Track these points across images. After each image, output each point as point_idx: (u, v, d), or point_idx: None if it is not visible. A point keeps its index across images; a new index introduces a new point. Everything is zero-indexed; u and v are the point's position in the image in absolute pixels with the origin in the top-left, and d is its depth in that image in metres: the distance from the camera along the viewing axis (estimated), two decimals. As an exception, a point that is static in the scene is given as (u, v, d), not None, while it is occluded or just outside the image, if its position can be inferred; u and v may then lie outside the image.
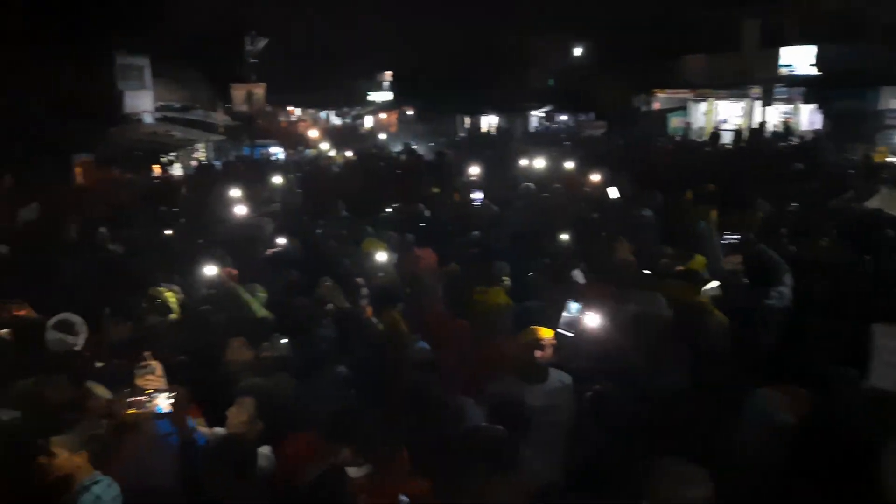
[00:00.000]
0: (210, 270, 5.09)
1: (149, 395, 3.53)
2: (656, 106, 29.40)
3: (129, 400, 3.52)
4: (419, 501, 2.99)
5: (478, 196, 9.62)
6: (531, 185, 10.78)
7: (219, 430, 3.67)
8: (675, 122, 27.95)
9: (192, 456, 3.52)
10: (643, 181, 10.79)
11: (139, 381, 3.62)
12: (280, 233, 7.60)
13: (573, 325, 3.97)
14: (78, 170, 18.95)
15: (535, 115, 34.88)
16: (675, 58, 27.51)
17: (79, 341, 4.56)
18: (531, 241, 7.49)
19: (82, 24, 21.20)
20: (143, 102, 25.41)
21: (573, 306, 4.07)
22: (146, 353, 3.80)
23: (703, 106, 27.62)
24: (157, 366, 3.75)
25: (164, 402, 3.49)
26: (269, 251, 7.21)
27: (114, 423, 3.63)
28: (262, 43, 29.73)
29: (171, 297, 5.47)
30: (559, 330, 3.99)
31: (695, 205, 8.77)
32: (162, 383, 3.66)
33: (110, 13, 22.35)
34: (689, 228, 7.19)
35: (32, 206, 10.57)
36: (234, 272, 5.49)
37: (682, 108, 28.32)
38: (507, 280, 5.99)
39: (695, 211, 8.13)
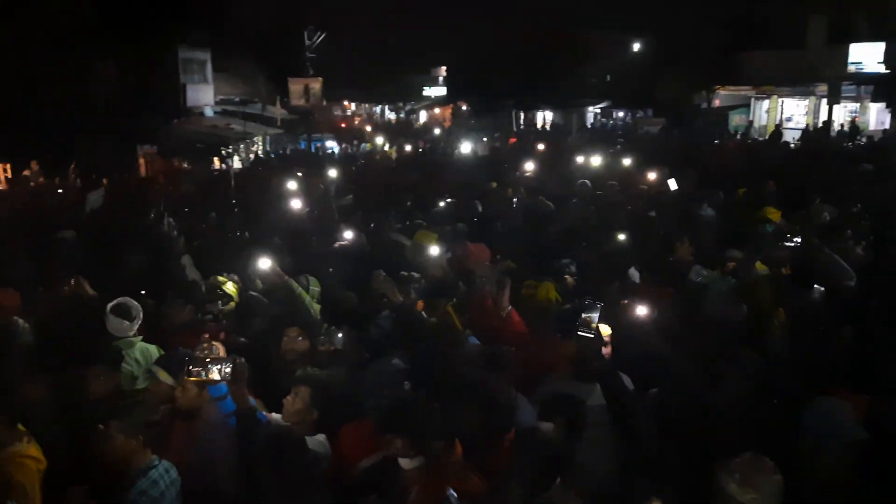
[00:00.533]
0: (265, 263, 5.18)
1: (207, 363, 3.56)
2: (717, 103, 28.76)
3: (187, 369, 3.57)
4: (470, 498, 2.98)
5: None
6: (587, 181, 10.66)
7: (276, 416, 3.74)
8: (736, 119, 27.33)
9: (249, 434, 3.57)
10: (703, 180, 10.58)
11: (210, 356, 3.68)
12: (347, 226, 7.65)
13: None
14: (142, 161, 19.56)
15: (592, 111, 34.46)
16: (738, 54, 26.84)
17: (134, 326, 4.70)
18: (585, 239, 7.41)
19: (149, 20, 21.84)
20: (204, 96, 26.04)
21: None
22: (207, 335, 3.88)
23: (765, 103, 26.92)
24: (219, 346, 3.81)
25: (222, 372, 3.53)
26: (337, 244, 7.27)
27: (173, 406, 3.72)
28: (321, 37, 30.13)
29: (230, 286, 5.59)
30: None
31: (756, 205, 8.55)
32: (221, 369, 3.72)
33: (176, 9, 22.96)
34: (751, 229, 7.01)
35: (99, 193, 10.94)
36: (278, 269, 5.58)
37: (745, 105, 27.64)
38: (569, 278, 5.96)
39: (757, 212, 7.93)
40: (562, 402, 3.48)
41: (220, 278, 5.62)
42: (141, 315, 4.76)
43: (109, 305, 4.74)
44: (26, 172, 16.02)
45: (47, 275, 6.29)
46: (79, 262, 6.66)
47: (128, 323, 4.69)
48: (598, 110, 34.22)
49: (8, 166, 16.98)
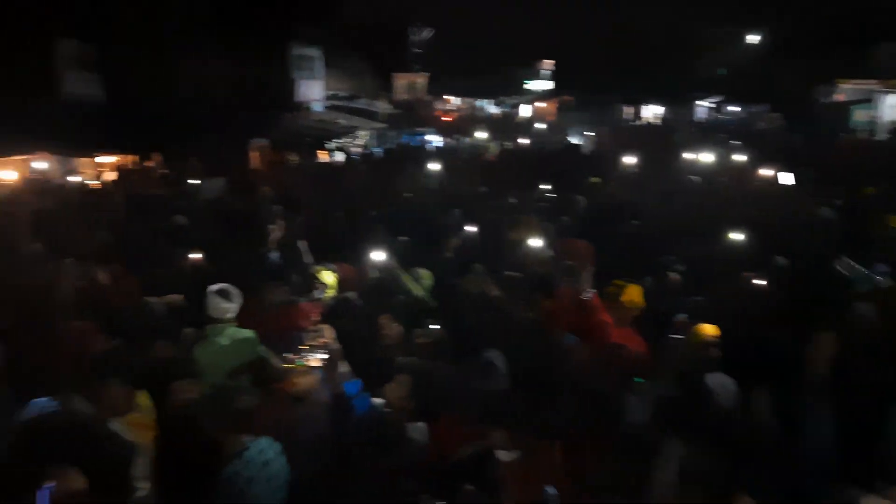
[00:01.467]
0: (378, 255, 5.27)
1: (304, 351, 3.65)
2: (839, 98, 27.02)
3: (284, 355, 3.66)
4: (569, 496, 2.93)
5: None
6: (696, 178, 10.29)
7: (378, 400, 3.80)
8: (859, 115, 25.56)
9: (343, 418, 3.63)
10: (824, 179, 9.98)
11: (309, 343, 3.78)
12: (466, 220, 7.64)
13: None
14: (254, 154, 20.35)
15: (703, 106, 33.16)
16: (861, 46, 25.14)
17: (233, 309, 4.89)
18: (692, 236, 7.16)
19: (266, 19, 22.74)
20: (313, 91, 26.84)
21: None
22: (315, 317, 3.98)
23: (892, 98, 25.07)
24: (327, 329, 3.90)
25: (317, 359, 3.60)
26: (455, 238, 7.31)
27: (273, 388, 3.84)
28: (427, 33, 30.47)
29: (328, 275, 5.72)
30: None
31: (882, 206, 7.98)
32: (329, 350, 3.81)
33: (291, 7, 23.79)
34: (878, 232, 6.55)
35: (216, 183, 11.50)
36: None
37: (868, 100, 25.85)
38: (673, 275, 5.77)
39: (884, 214, 7.39)
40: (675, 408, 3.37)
41: (319, 268, 5.76)
42: (241, 300, 4.95)
43: (213, 288, 4.96)
44: (149, 164, 17.02)
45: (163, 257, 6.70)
46: (192, 245, 7.04)
47: (228, 305, 4.89)
48: (712, 105, 32.88)
49: (136, 158, 18.18)
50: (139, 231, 8.32)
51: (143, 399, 3.66)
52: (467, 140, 23.46)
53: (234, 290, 4.94)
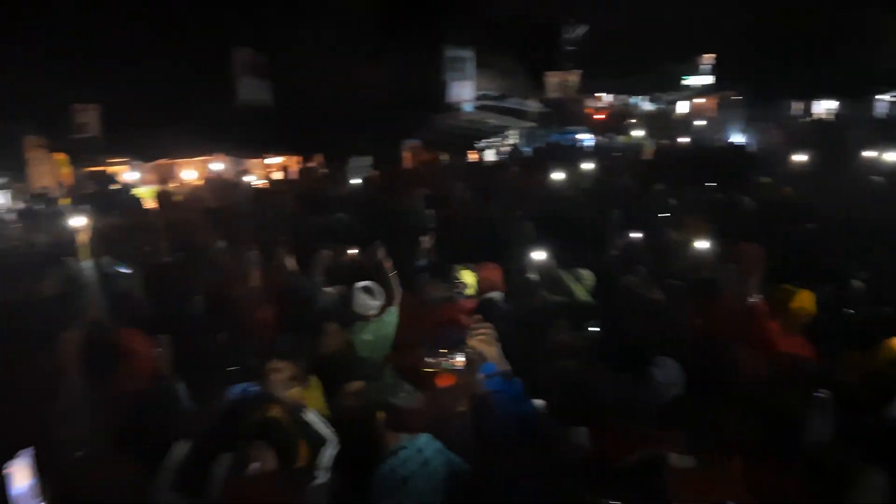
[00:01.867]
0: (537, 255, 5.23)
1: (446, 353, 3.65)
2: None
3: (427, 356, 3.68)
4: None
5: None
6: (878, 178, 9.42)
7: (539, 402, 3.76)
8: None
9: (488, 417, 3.60)
10: None
11: (470, 342, 3.79)
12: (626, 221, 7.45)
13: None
14: (406, 154, 20.94)
15: (884, 100, 30.26)
16: None
17: (377, 306, 4.99)
18: (876, 242, 6.54)
19: (419, 21, 23.36)
20: (464, 91, 27.19)
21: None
22: (478, 316, 3.99)
23: None
24: (489, 329, 3.89)
25: (458, 360, 3.59)
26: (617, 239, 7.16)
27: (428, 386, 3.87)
28: (581, 30, 30.00)
29: (468, 275, 5.71)
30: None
31: None
32: (490, 346, 3.80)
33: (444, 9, 24.28)
34: None
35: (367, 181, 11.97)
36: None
37: None
38: (857, 282, 5.30)
39: None
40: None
41: (459, 267, 5.78)
42: (384, 297, 5.06)
43: (359, 284, 5.11)
44: (311, 164, 18.00)
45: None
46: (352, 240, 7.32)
47: (373, 302, 5.01)
48: (894, 99, 29.93)
49: (299, 158, 19.33)
50: (304, 226, 8.81)
51: (316, 387, 3.83)
52: (621, 138, 22.86)
53: (377, 288, 5.07)
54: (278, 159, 19.60)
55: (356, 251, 6.32)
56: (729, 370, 3.84)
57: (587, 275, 5.42)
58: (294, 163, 18.93)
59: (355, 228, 8.35)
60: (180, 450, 3.06)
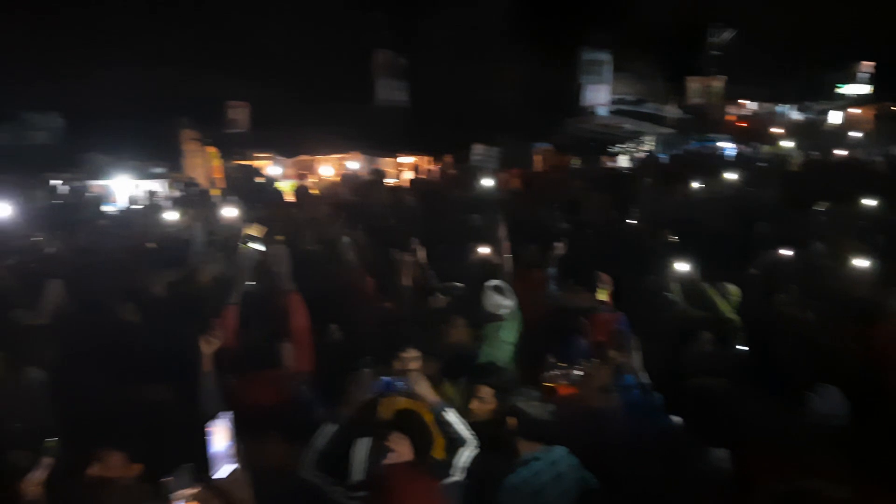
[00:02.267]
0: (680, 267, 5.01)
1: (567, 369, 3.59)
2: None
3: (551, 368, 3.62)
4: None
5: None
6: None
7: (676, 419, 3.62)
8: None
9: (615, 432, 3.50)
10: None
11: (611, 354, 3.72)
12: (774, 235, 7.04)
13: None
14: (537, 157, 20.80)
15: None
16: None
17: (509, 305, 4.94)
18: None
19: (557, 24, 23.18)
20: (600, 95, 26.72)
21: None
22: (618, 327, 3.91)
23: None
24: (628, 340, 3.79)
25: (574, 377, 3.53)
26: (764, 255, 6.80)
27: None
28: (727, 34, 28.61)
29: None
30: None
31: None
32: (627, 358, 3.72)
33: (582, 11, 23.96)
34: None
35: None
36: None
37: None
38: None
39: None
40: None
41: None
42: (514, 297, 5.00)
43: (490, 283, 5.08)
44: (441, 164, 18.27)
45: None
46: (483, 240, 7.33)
47: (505, 301, 4.96)
48: None
49: (429, 158, 19.68)
50: (434, 225, 8.93)
51: (449, 387, 3.87)
52: (765, 148, 21.65)
53: (508, 288, 5.03)
54: (410, 159, 20.03)
55: (487, 250, 6.33)
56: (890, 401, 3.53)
57: (734, 290, 5.12)
58: (425, 162, 19.28)
59: (486, 229, 8.37)
60: (326, 432, 3.19)
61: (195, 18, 20.55)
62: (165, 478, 1.79)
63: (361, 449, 3.26)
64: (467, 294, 5.55)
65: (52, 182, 14.29)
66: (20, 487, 2.82)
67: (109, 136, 17.18)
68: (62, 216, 10.23)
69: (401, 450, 2.97)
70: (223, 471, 1.80)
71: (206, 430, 1.81)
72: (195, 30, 20.21)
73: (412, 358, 3.78)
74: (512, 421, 3.34)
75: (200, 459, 1.80)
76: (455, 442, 3.26)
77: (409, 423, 3.09)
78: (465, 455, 3.25)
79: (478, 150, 16.89)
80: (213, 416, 1.80)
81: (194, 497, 1.77)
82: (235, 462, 1.81)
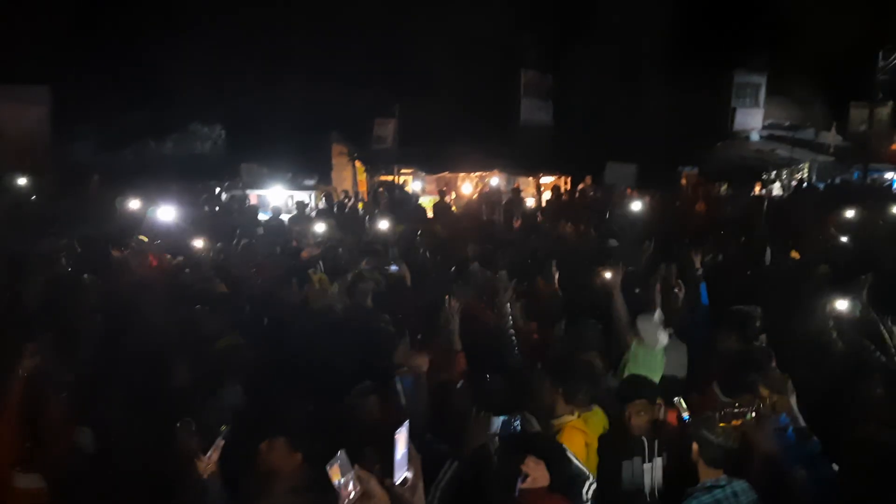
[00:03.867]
0: (841, 303, 4.70)
1: (741, 410, 3.48)
2: None
3: (720, 409, 3.53)
4: None
5: None
6: None
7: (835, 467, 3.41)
8: None
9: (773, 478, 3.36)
10: None
11: (763, 390, 3.58)
12: None
13: None
14: (683, 181, 20.11)
15: None
16: None
17: (666, 338, 4.78)
18: None
19: (709, 45, 22.41)
20: (752, 120, 25.53)
21: None
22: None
23: None
24: (786, 379, 3.62)
25: (745, 417, 3.43)
26: None
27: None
28: (896, 58, 26.43)
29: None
30: None
31: None
32: (784, 397, 3.55)
33: (737, 33, 23.04)
34: None
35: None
36: None
37: None
38: None
39: None
40: None
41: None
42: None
43: (656, 316, 4.93)
44: (582, 185, 18.06)
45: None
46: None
47: (663, 336, 4.80)
48: None
49: (568, 179, 19.51)
50: (569, 248, 8.81)
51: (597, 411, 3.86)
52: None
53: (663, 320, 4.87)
54: (550, 178, 19.94)
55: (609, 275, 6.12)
56: None
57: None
58: (563, 183, 19.13)
59: (628, 253, 8.18)
60: (450, 469, 3.22)
61: (349, 39, 21.63)
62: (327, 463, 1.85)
63: (492, 478, 3.18)
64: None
65: (217, 190, 15.29)
66: (197, 465, 3.13)
67: (266, 147, 18.33)
68: (225, 223, 10.90)
69: (537, 475, 2.97)
70: (400, 477, 1.87)
71: (394, 435, 1.88)
72: (351, 50, 21.28)
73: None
74: (695, 447, 3.40)
75: (387, 464, 1.88)
76: (578, 477, 3.27)
77: (541, 446, 3.09)
78: (588, 487, 3.26)
79: (612, 167, 16.56)
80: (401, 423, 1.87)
81: (358, 478, 1.81)
82: (410, 470, 1.87)
